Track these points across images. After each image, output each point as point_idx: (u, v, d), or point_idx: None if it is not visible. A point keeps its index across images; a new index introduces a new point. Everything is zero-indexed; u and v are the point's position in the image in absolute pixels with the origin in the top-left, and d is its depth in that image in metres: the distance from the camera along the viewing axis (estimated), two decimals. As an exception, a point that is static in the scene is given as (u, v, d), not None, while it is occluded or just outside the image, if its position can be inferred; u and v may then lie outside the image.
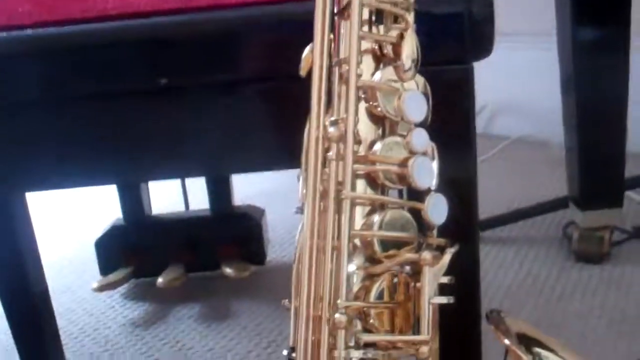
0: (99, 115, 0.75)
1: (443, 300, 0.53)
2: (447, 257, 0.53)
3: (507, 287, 1.49)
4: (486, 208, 1.67)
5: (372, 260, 0.54)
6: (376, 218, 0.54)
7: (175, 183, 1.80)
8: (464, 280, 0.56)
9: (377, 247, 0.54)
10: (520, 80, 2.31)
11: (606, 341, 1.25)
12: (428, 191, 0.55)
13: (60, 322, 1.55)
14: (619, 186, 1.59)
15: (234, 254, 1.58)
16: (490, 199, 1.86)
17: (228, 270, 1.56)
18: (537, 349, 0.57)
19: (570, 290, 1.46)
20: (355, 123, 0.53)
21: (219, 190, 1.62)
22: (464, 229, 0.68)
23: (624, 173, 1.57)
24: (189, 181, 1.79)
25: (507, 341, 0.50)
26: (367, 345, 0.53)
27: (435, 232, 0.56)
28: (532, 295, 1.45)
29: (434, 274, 0.53)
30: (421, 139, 0.54)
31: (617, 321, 1.33)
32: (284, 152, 0.60)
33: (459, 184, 0.66)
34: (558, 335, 0.57)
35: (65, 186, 0.83)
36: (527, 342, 0.56)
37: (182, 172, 0.99)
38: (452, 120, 0.64)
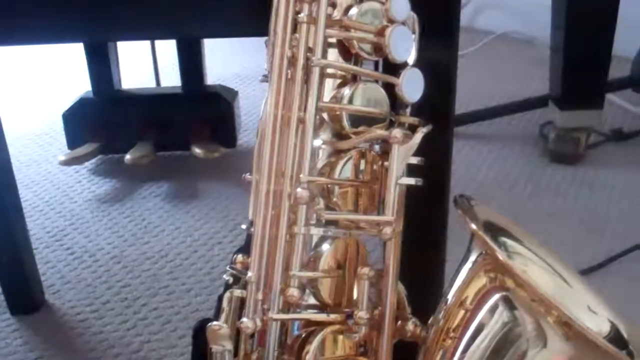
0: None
1: (411, 181, 0.50)
2: (418, 136, 0.50)
3: (478, 184, 1.47)
4: (463, 103, 1.64)
5: (339, 135, 0.51)
6: (346, 91, 0.50)
7: (147, 59, 1.74)
8: (435, 163, 0.53)
9: (345, 122, 0.50)
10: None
11: (575, 240, 1.25)
12: (404, 66, 0.51)
13: (26, 194, 1.53)
14: (601, 87, 1.57)
15: (205, 134, 1.54)
16: (469, 95, 1.83)
17: (197, 151, 1.53)
18: (504, 239, 0.55)
19: (542, 189, 1.45)
20: (330, -17, 0.49)
21: (191, 68, 1.57)
22: (439, 111, 0.64)
23: (607, 75, 1.55)
24: (161, 59, 1.74)
25: (473, 225, 0.48)
26: (329, 223, 0.50)
27: (408, 110, 0.52)
28: (502, 192, 1.44)
29: (404, 152, 0.50)
30: (402, 6, 0.50)
31: (586, 221, 1.33)
32: (256, 18, 0.55)
33: (438, 64, 0.62)
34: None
35: (32, 42, 0.77)
36: (494, 230, 0.53)
37: (150, 33, 0.94)
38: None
